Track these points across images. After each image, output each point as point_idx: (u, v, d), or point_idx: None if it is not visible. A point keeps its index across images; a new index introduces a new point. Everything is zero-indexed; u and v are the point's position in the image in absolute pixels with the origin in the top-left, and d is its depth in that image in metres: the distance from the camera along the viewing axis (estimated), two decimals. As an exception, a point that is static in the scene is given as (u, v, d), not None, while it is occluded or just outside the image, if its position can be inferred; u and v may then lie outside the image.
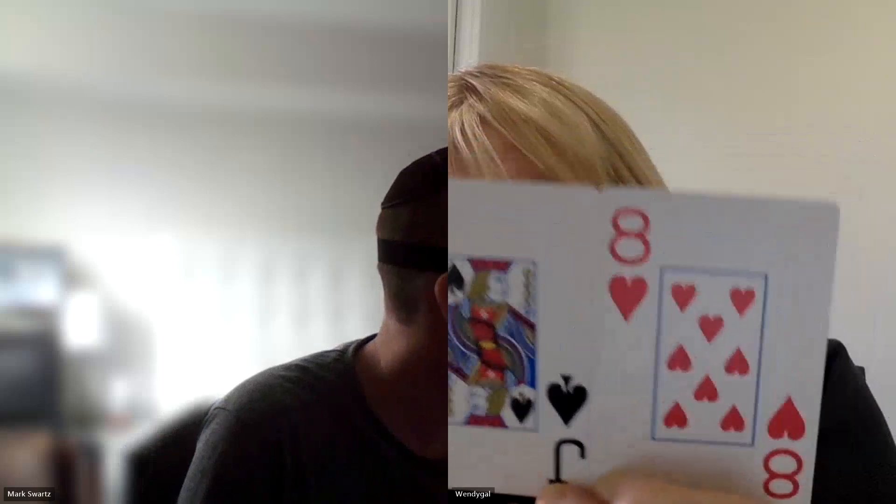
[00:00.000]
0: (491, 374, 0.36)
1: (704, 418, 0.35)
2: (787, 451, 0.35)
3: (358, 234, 0.82)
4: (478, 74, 0.72)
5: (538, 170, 0.66)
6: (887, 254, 2.02)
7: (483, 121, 0.68)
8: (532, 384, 0.36)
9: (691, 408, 0.35)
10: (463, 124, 0.68)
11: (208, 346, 1.24)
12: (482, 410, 0.36)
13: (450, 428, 0.37)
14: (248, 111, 1.30)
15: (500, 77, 0.72)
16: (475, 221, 0.34)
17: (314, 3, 1.29)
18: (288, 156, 1.32)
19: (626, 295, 0.34)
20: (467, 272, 0.35)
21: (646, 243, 0.34)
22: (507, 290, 0.35)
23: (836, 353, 0.66)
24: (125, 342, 1.19)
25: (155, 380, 1.20)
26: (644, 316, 0.34)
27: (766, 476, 0.36)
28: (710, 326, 0.34)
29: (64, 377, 1.09)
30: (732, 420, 0.35)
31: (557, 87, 0.72)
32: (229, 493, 0.71)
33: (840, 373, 0.66)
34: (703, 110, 2.23)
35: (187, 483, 0.72)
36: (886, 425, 0.66)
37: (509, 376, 0.36)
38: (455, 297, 0.35)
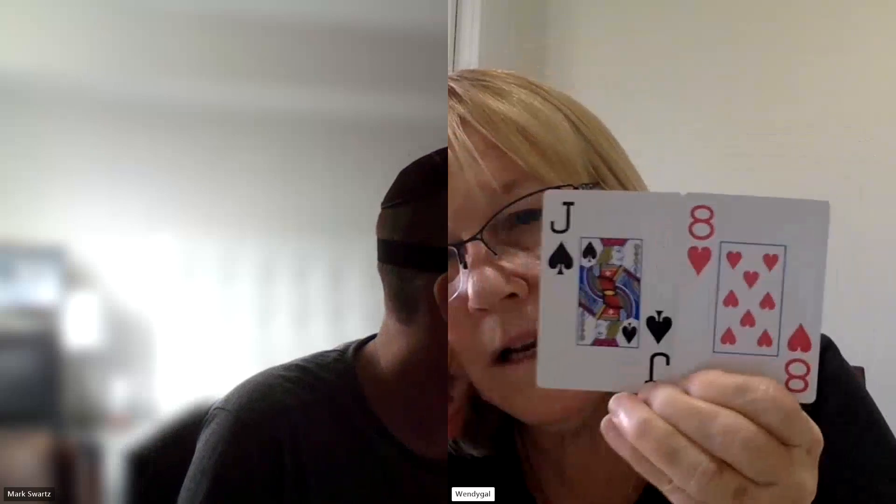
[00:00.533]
0: (610, 311, 0.53)
1: (747, 338, 0.53)
2: (799, 360, 0.53)
3: (358, 234, 0.82)
4: (458, 78, 0.74)
5: (518, 168, 0.67)
6: (887, 254, 2.02)
7: (463, 121, 0.69)
8: (636, 317, 0.53)
9: (738, 331, 0.53)
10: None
11: (208, 346, 1.24)
12: (603, 335, 0.53)
13: (579, 349, 0.53)
14: (248, 111, 1.30)
15: (480, 80, 0.73)
16: (604, 214, 0.53)
17: (314, 3, 1.29)
18: (288, 156, 1.32)
19: (698, 259, 0.52)
20: (598, 247, 0.53)
21: (711, 226, 0.52)
22: (623, 257, 0.53)
23: (828, 347, 0.75)
24: (125, 342, 1.19)
25: (155, 380, 1.20)
26: (709, 272, 0.53)
27: (787, 377, 0.53)
28: (750, 278, 0.52)
29: (64, 377, 1.09)
30: (765, 339, 0.53)
31: (536, 89, 0.74)
32: (229, 493, 0.71)
33: (836, 364, 0.77)
34: (703, 110, 2.23)
35: (187, 483, 0.72)
36: (874, 404, 0.77)
37: (622, 313, 0.53)
38: (590, 262, 0.53)
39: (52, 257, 1.13)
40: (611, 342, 0.54)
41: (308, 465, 0.72)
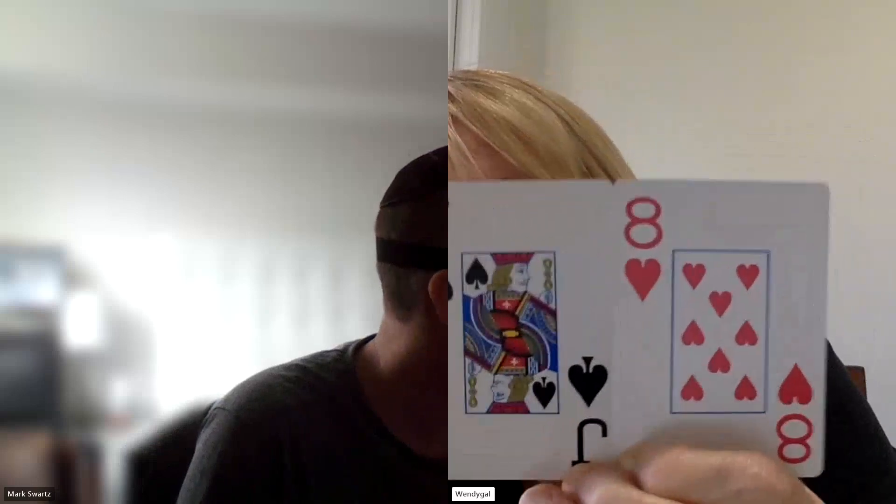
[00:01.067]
0: (514, 361, 0.38)
1: (719, 389, 0.38)
2: (797, 416, 0.38)
3: (358, 234, 0.82)
4: (451, 79, 0.74)
5: (511, 166, 0.68)
6: (887, 254, 2.02)
7: (455, 120, 0.69)
8: (554, 368, 0.38)
9: (706, 380, 0.38)
10: None
11: (208, 346, 1.24)
12: (505, 398, 0.38)
13: (469, 418, 0.38)
14: (248, 111, 1.30)
15: (472, 80, 0.73)
16: (493, 219, 0.37)
17: (314, 3, 1.29)
18: (288, 156, 1.32)
19: (642, 276, 0.37)
20: (489, 266, 0.38)
21: (658, 228, 0.37)
22: (528, 280, 0.37)
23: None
24: (125, 342, 1.19)
25: (155, 380, 1.20)
26: (658, 295, 0.37)
27: (780, 441, 0.38)
28: (720, 301, 0.37)
29: (64, 377, 1.09)
30: (745, 389, 0.37)
31: (529, 88, 0.74)
32: (229, 493, 0.71)
33: (828, 361, 0.71)
34: (703, 110, 2.23)
35: (187, 483, 0.72)
36: (866, 401, 0.73)
37: (532, 362, 0.38)
38: (478, 290, 0.38)
39: (52, 257, 1.13)
40: (516, 407, 0.38)
41: (308, 465, 0.72)
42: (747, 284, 0.37)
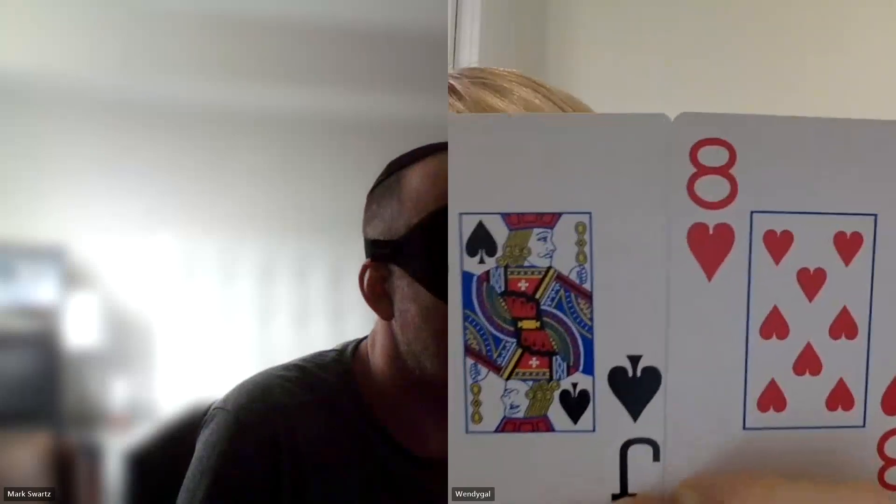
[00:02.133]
0: (533, 362, 0.28)
1: (806, 397, 0.28)
2: None
3: (358, 234, 0.82)
4: (458, 76, 0.74)
5: None
6: (887, 254, 2.02)
7: None
8: (588, 370, 0.28)
9: (790, 384, 0.28)
10: None
11: (208, 346, 1.24)
12: (521, 411, 0.29)
13: (471, 439, 0.28)
14: (248, 111, 1.30)
15: (480, 78, 0.73)
16: (506, 167, 0.27)
17: (314, 3, 1.29)
18: (288, 156, 1.32)
19: (709, 246, 0.28)
20: (500, 232, 0.27)
21: (732, 181, 0.28)
22: (553, 252, 0.28)
23: None
24: (125, 342, 1.19)
25: (155, 380, 1.19)
26: (731, 272, 0.28)
27: (882, 463, 0.29)
28: (811, 281, 0.28)
29: (64, 377, 1.09)
30: (840, 397, 0.28)
31: (537, 87, 0.74)
32: (228, 493, 0.71)
33: None
34: (703, 110, 2.22)
35: (186, 483, 0.72)
36: None
37: (558, 363, 0.28)
38: (483, 265, 0.27)
39: (52, 257, 1.13)
40: (536, 423, 0.28)
41: (307, 465, 0.72)
42: (847, 259, 0.28)
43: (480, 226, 0.27)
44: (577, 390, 0.28)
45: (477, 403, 0.28)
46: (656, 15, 2.33)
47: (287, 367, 0.77)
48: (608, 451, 0.28)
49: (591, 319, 0.27)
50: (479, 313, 0.28)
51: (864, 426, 0.28)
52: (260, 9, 1.27)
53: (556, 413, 0.28)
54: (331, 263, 1.36)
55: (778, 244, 0.27)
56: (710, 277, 0.27)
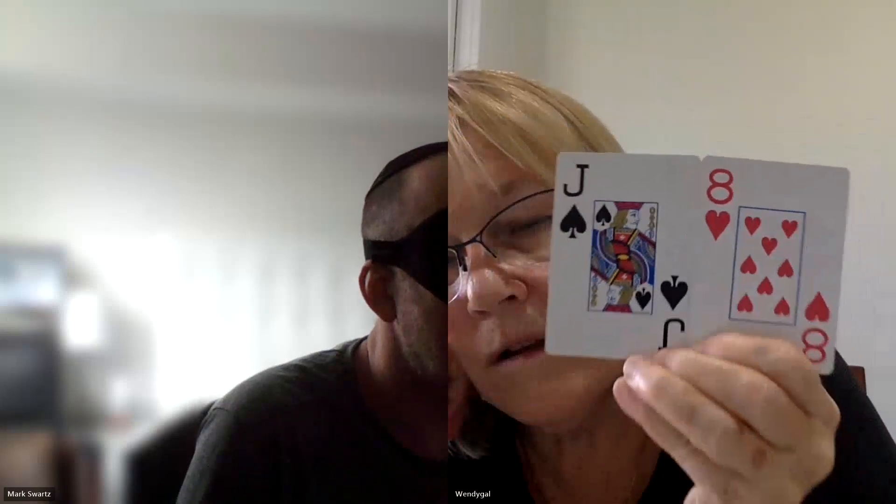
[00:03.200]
0: (624, 276, 0.53)
1: (764, 306, 0.52)
2: (817, 330, 0.52)
3: (358, 234, 0.82)
4: (456, 79, 0.74)
5: (517, 169, 0.67)
6: (888, 254, 2.02)
7: (462, 122, 0.69)
8: (651, 282, 0.53)
9: (755, 299, 0.52)
10: None
11: (208, 346, 1.24)
12: (616, 301, 0.53)
13: (590, 315, 0.52)
14: (248, 111, 1.30)
15: (479, 81, 0.73)
16: (619, 177, 0.53)
17: (314, 3, 1.29)
18: (288, 156, 1.32)
19: (716, 223, 0.52)
20: (612, 210, 0.52)
21: (730, 190, 0.52)
22: (638, 221, 0.52)
23: None
24: (125, 342, 1.19)
25: (155, 380, 1.19)
26: (727, 236, 0.52)
27: (804, 346, 0.52)
28: (769, 245, 0.52)
29: (64, 377, 1.09)
30: (782, 307, 0.52)
31: (535, 89, 0.74)
32: (228, 493, 0.71)
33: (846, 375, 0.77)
34: (703, 110, 2.23)
35: (187, 483, 0.72)
36: (870, 402, 0.78)
37: (636, 278, 0.53)
38: (604, 226, 0.52)
39: (52, 257, 1.13)
40: (623, 308, 0.53)
41: (307, 465, 0.73)
42: (788, 234, 0.52)
43: (603, 207, 0.53)
44: (645, 292, 0.53)
45: (595, 295, 0.53)
46: (656, 15, 2.34)
47: (287, 368, 0.77)
48: (658, 325, 0.53)
49: (654, 256, 0.52)
50: (600, 250, 0.53)
51: (794, 325, 0.52)
52: (260, 9, 1.27)
53: (634, 304, 0.53)
54: (331, 263, 1.36)
55: (752, 224, 0.52)
56: (715, 238, 0.52)
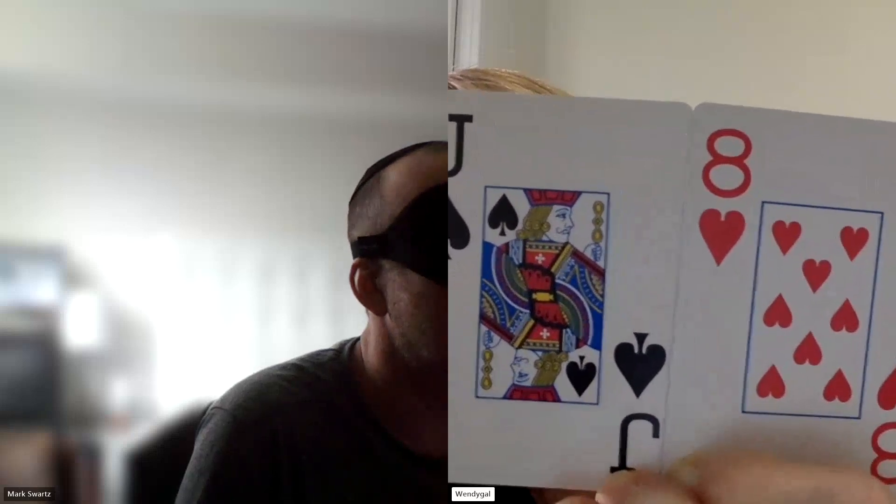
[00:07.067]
0: (544, 333, 0.30)
1: (805, 385, 0.29)
2: None
3: (357, 234, 0.82)
4: (460, 78, 0.74)
5: None
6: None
7: None
8: (596, 345, 0.29)
9: (790, 372, 0.29)
10: None
11: (208, 346, 1.24)
12: (529, 380, 0.30)
13: (480, 404, 0.30)
14: (248, 111, 1.30)
15: (482, 79, 0.73)
16: (530, 145, 0.28)
17: (314, 3, 1.29)
18: (288, 156, 1.32)
19: (720, 232, 0.29)
20: (522, 206, 0.28)
21: (746, 171, 0.29)
22: (571, 228, 0.29)
23: None
24: (125, 342, 1.19)
25: (155, 380, 1.20)
26: (739, 259, 0.29)
27: (875, 456, 0.30)
28: (816, 273, 0.29)
29: (64, 377, 1.09)
30: (837, 387, 0.29)
31: (539, 88, 0.73)
32: (227, 492, 0.71)
33: None
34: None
35: (185, 482, 0.72)
36: None
37: (568, 336, 0.30)
38: (504, 237, 0.29)
39: (52, 257, 1.13)
40: (543, 393, 0.30)
41: (305, 464, 0.73)
42: (852, 254, 0.29)
43: (504, 199, 0.29)
44: (584, 363, 0.30)
45: (488, 369, 0.30)
46: (656, 15, 2.34)
47: (285, 367, 0.77)
48: (610, 425, 0.30)
49: (603, 296, 0.29)
50: (497, 283, 0.29)
51: (859, 418, 0.30)
52: (260, 9, 1.27)
53: (563, 384, 0.30)
54: (331, 263, 1.36)
55: (786, 235, 0.29)
56: (718, 262, 0.29)
